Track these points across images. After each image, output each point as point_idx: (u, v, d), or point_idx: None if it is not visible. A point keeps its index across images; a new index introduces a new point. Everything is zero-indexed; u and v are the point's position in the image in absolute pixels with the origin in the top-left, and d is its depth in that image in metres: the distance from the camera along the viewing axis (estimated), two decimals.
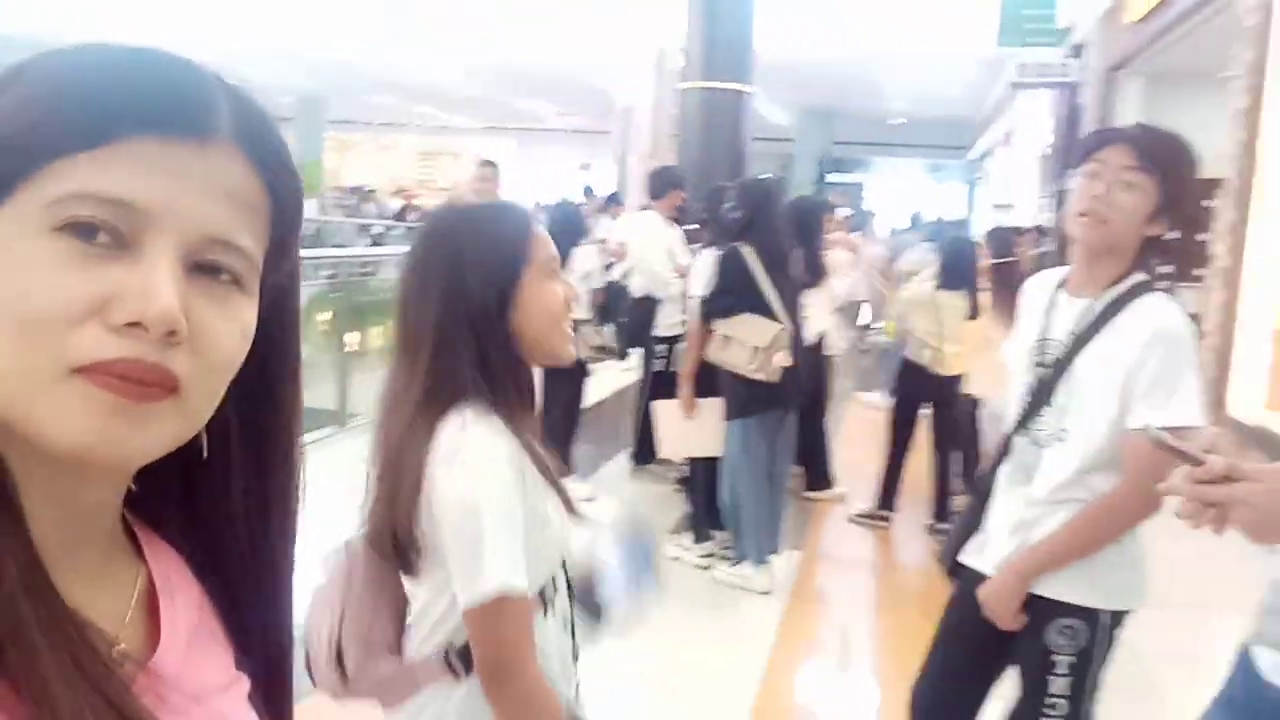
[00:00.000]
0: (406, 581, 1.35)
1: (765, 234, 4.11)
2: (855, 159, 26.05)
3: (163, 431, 0.51)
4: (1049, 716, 1.97)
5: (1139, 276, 1.93)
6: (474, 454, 1.25)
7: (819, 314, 5.19)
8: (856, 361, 8.66)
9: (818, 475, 5.48)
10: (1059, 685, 1.96)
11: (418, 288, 1.33)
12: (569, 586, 1.42)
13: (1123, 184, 1.86)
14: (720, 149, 8.89)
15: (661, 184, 5.55)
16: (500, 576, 1.22)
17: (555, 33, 13.02)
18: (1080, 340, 1.93)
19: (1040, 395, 1.98)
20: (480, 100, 20.82)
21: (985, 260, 5.23)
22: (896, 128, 22.49)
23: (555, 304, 1.34)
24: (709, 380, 4.20)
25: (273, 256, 0.57)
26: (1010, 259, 4.98)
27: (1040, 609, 1.95)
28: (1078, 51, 10.46)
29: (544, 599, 1.33)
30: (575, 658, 1.43)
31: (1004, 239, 5.29)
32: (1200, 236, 6.19)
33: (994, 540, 2.05)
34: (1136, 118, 8.75)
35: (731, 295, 4.06)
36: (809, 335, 4.74)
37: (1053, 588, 1.93)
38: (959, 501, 5.14)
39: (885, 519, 5.09)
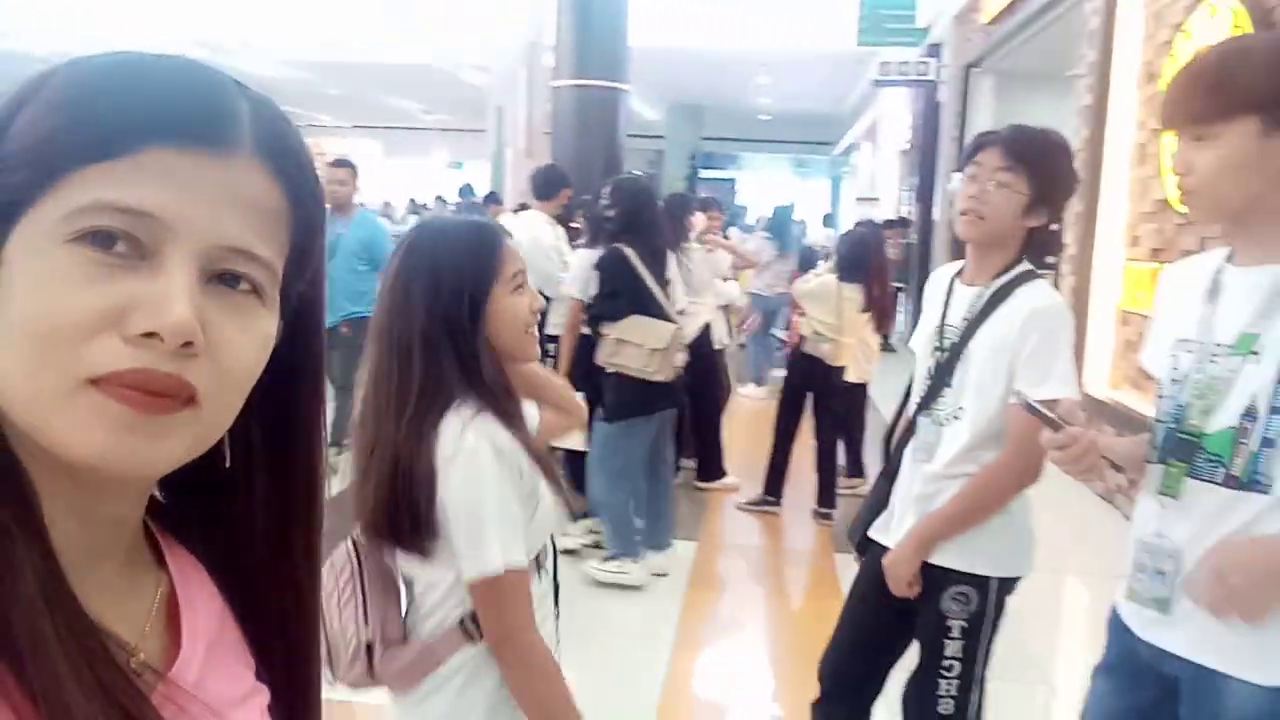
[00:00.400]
0: (406, 565, 1.50)
1: (645, 232, 4.14)
2: (725, 155, 26.52)
3: (179, 442, 0.51)
4: (945, 678, 2.09)
5: (1024, 266, 2.08)
6: (474, 451, 1.40)
7: (704, 310, 5.30)
8: (736, 355, 8.85)
9: (711, 466, 5.60)
10: (953, 649, 2.09)
11: (401, 298, 1.45)
12: (555, 554, 1.59)
13: (996, 183, 2.01)
14: (596, 146, 8.91)
15: (548, 183, 5.54)
16: (504, 554, 1.40)
17: (421, 29, 12.83)
18: (972, 325, 2.06)
19: (940, 377, 2.11)
20: (347, 99, 20.33)
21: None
22: (764, 123, 22.99)
23: (521, 314, 1.48)
24: (588, 377, 4.19)
25: (294, 265, 0.57)
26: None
27: (935, 578, 2.08)
28: (935, 51, 10.91)
29: (538, 564, 1.50)
30: (556, 618, 1.61)
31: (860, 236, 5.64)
32: (1054, 226, 6.56)
33: (898, 515, 2.19)
34: (990, 114, 9.25)
35: (619, 297, 4.07)
36: (692, 331, 4.84)
37: (945, 557, 2.06)
38: (845, 487, 5.35)
39: (774, 506, 5.24)
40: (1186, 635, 1.54)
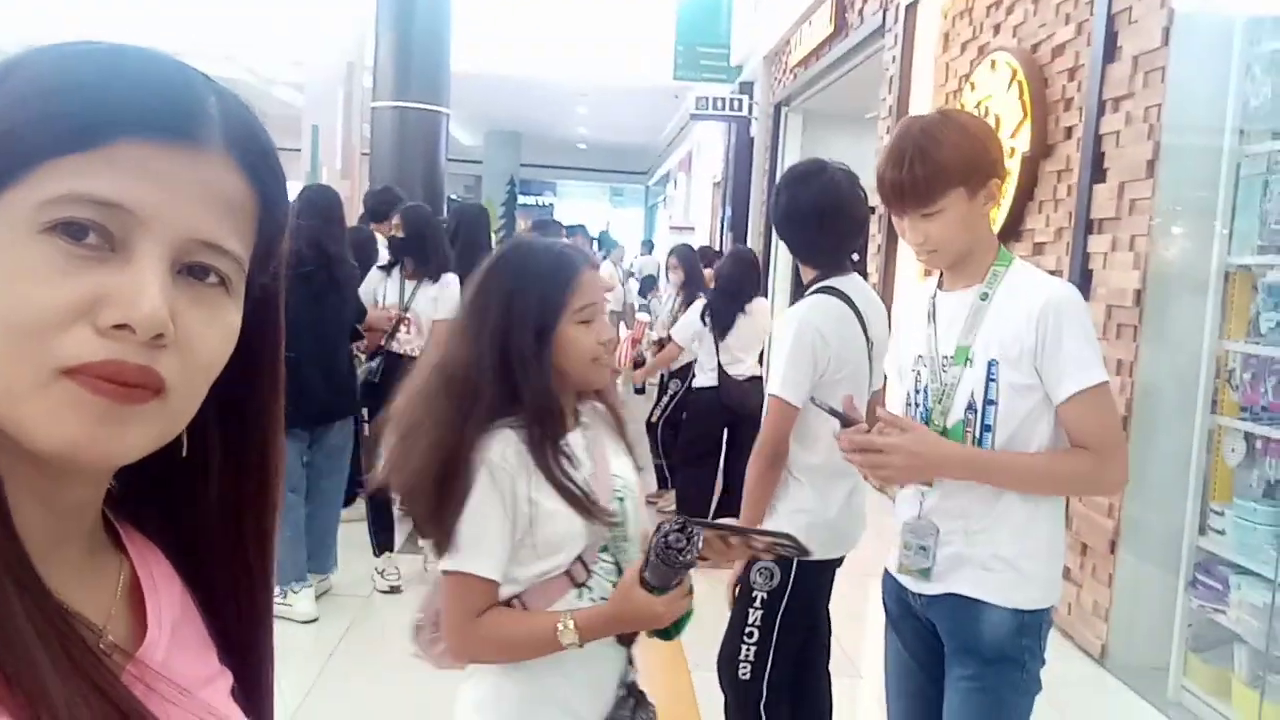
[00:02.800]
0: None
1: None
2: (543, 181, 26.67)
3: (147, 432, 0.52)
4: (746, 644, 2.45)
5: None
6: (472, 462, 1.48)
7: None
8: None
9: None
10: (754, 617, 2.44)
11: (480, 307, 1.54)
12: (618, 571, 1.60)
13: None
14: (416, 169, 8.84)
15: (383, 206, 5.51)
16: (463, 560, 1.48)
17: (234, 45, 12.33)
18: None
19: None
20: None
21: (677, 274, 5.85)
22: (582, 152, 23.30)
23: (586, 346, 1.54)
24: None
25: (259, 259, 0.57)
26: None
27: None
28: (749, 88, 11.42)
29: (572, 578, 1.55)
30: (632, 659, 1.63)
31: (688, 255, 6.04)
32: (855, 256, 7.02)
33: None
34: (798, 150, 9.78)
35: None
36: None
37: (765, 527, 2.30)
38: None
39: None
40: (944, 581, 1.88)
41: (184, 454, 0.59)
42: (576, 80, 14.47)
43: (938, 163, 1.80)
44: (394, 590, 4.25)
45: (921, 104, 6.07)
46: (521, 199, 23.09)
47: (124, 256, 0.50)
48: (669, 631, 1.55)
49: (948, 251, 1.87)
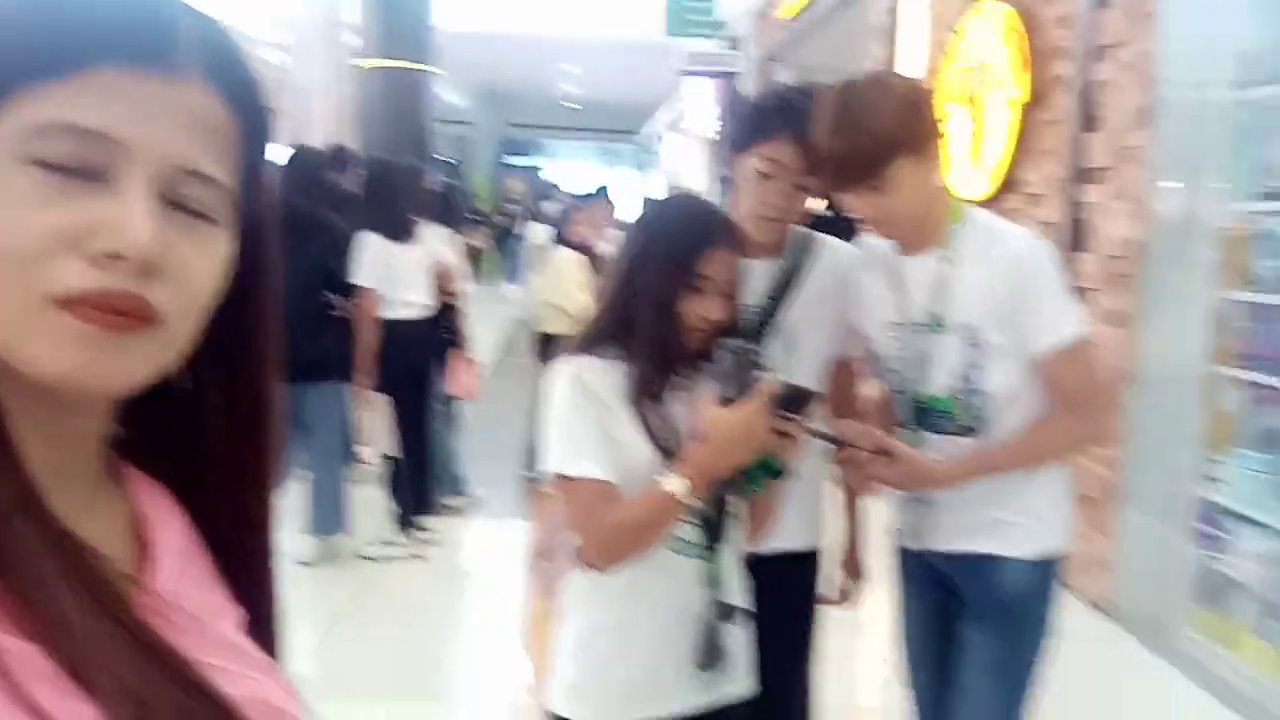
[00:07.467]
0: None
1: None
2: (532, 141, 26.46)
3: (143, 361, 0.52)
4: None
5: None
6: (558, 374, 1.59)
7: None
8: None
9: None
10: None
11: (642, 239, 1.64)
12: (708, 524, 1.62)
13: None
14: (404, 129, 8.76)
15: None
16: (565, 463, 1.54)
17: (212, 3, 12.12)
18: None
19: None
20: None
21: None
22: (571, 111, 23.09)
23: (688, 314, 1.56)
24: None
25: (246, 189, 0.57)
26: None
27: None
28: (737, 43, 11.30)
29: None
30: (714, 581, 1.61)
31: None
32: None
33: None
34: None
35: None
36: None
37: None
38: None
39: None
40: (959, 542, 1.87)
41: (183, 387, 0.58)
42: (565, 38, 14.28)
43: (878, 133, 1.69)
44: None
45: (912, 55, 6.00)
46: (509, 159, 22.93)
47: (111, 185, 0.50)
48: (764, 467, 1.55)
49: (902, 221, 1.80)
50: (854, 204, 1.78)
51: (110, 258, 0.49)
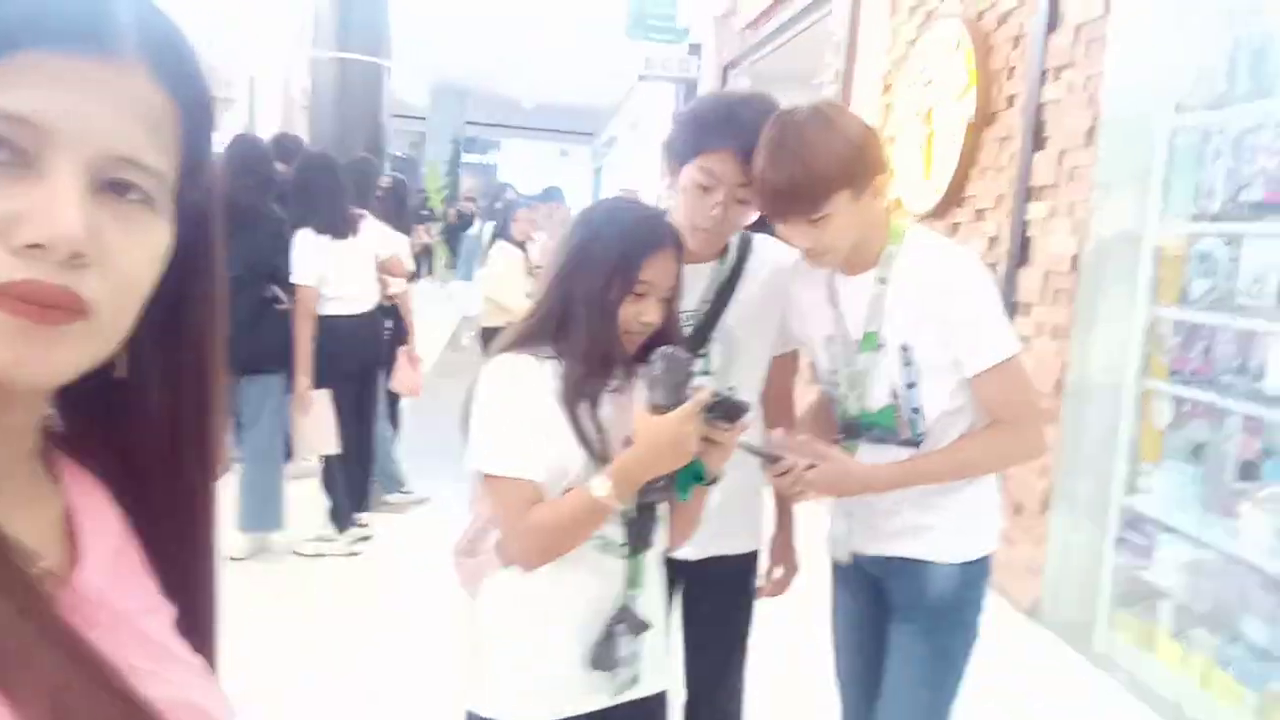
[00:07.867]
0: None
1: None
2: (488, 140, 26.33)
3: (73, 353, 0.50)
4: None
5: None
6: (493, 367, 1.60)
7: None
8: None
9: None
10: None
11: (581, 243, 1.62)
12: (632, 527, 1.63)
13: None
14: (356, 122, 8.68)
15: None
16: (492, 459, 1.55)
17: None
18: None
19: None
20: None
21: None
22: (528, 111, 23.02)
23: (627, 321, 1.58)
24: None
25: (186, 173, 0.55)
26: None
27: None
28: (696, 50, 11.34)
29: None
30: (634, 581, 1.62)
31: None
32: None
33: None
34: None
35: None
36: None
37: None
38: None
39: None
40: (891, 545, 1.91)
41: (121, 374, 0.57)
42: (524, 38, 14.24)
43: (818, 171, 1.67)
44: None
45: (869, 68, 6.07)
46: (466, 157, 22.79)
47: (37, 173, 0.48)
48: (691, 474, 1.54)
49: (838, 252, 1.77)
50: (789, 234, 1.77)
51: (37, 248, 0.47)
